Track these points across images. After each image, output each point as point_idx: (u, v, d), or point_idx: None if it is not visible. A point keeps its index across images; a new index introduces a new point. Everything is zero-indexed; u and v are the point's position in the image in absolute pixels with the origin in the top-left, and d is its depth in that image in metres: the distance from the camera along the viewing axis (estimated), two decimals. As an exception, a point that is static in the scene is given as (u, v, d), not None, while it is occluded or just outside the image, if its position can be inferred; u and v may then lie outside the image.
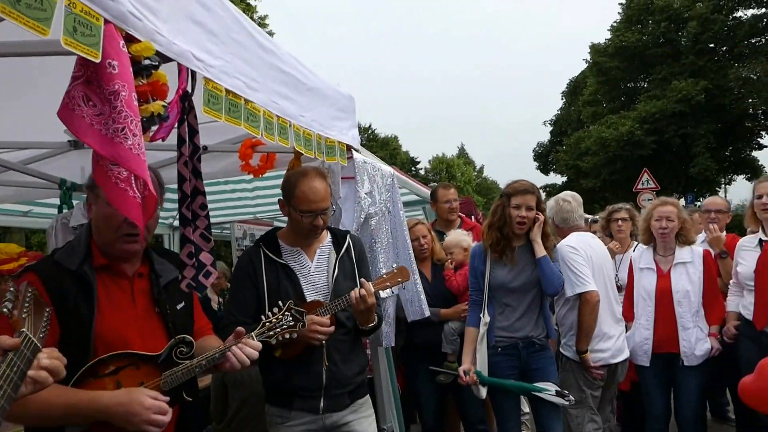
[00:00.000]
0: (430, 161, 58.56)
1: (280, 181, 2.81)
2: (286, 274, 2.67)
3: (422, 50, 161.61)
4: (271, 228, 3.21)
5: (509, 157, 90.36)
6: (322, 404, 2.64)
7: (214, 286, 6.47)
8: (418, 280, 3.77)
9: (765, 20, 24.16)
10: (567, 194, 4.33)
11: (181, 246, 1.90)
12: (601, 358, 3.84)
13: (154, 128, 1.60)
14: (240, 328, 2.11)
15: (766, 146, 28.83)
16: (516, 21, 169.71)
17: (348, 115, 3.12)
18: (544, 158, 39.37)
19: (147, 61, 1.53)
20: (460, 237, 4.49)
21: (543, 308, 3.64)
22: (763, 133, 27.60)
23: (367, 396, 2.87)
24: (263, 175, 3.23)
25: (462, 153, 64.29)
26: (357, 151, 3.23)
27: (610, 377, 3.96)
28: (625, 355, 4.02)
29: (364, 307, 2.59)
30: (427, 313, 3.80)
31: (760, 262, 3.95)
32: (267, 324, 2.28)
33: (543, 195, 3.84)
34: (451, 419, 4.69)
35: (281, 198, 2.74)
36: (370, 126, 51.31)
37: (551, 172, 38.41)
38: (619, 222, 5.08)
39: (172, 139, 1.84)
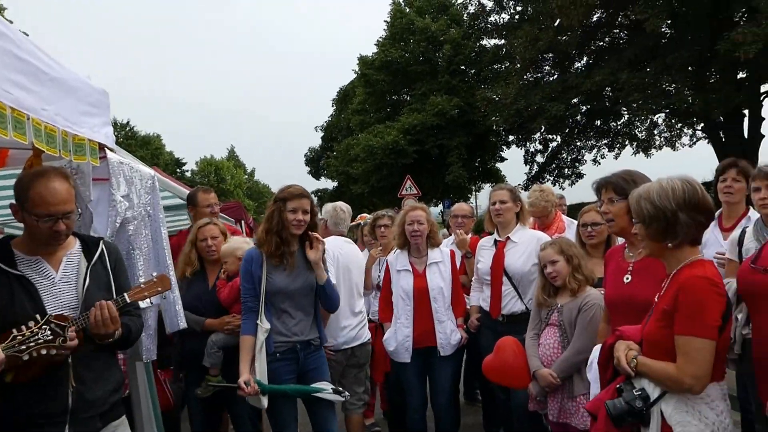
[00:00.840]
0: (197, 163, 56.94)
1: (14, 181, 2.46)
2: (22, 286, 2.32)
3: (189, 47, 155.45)
4: (2, 236, 2.81)
5: (281, 161, 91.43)
6: (66, 431, 2.33)
7: None
8: (176, 290, 3.56)
9: (504, 50, 27.15)
10: (343, 205, 4.84)
11: None
12: (336, 344, 4.28)
13: None
14: None
15: (506, 159, 32.79)
16: (292, 23, 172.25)
17: (101, 111, 2.83)
18: (315, 163, 40.26)
19: None
20: (236, 245, 4.13)
21: (317, 310, 3.71)
22: (504, 147, 31.10)
23: (123, 417, 2.63)
24: (-8, 174, 2.80)
25: (232, 155, 63.13)
26: (112, 150, 2.96)
27: (352, 359, 4.38)
28: (361, 340, 4.44)
29: (104, 331, 2.36)
30: (183, 325, 3.60)
31: (495, 259, 4.41)
32: (18, 337, 2.02)
33: (315, 199, 4.02)
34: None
35: (13, 203, 2.39)
36: (128, 122, 48.23)
37: (322, 177, 39.46)
38: (382, 228, 5.35)
39: None
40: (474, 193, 33.91)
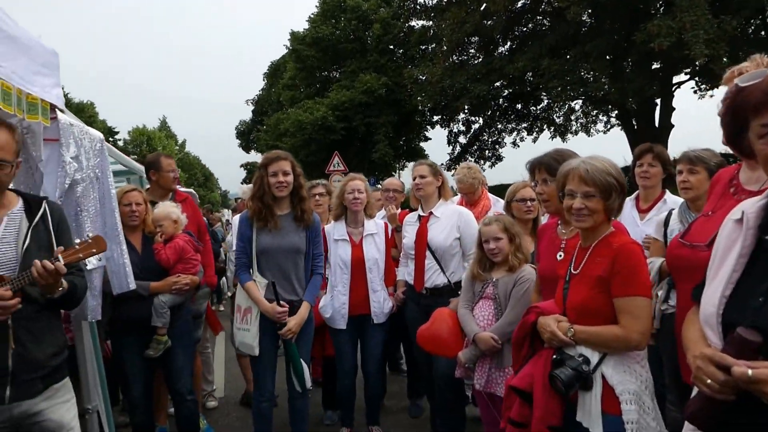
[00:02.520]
0: (129, 132, 56.20)
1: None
2: None
3: (121, 16, 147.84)
4: None
5: (212, 133, 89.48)
6: (8, 392, 2.34)
7: None
8: (125, 251, 3.55)
9: (432, 31, 27.16)
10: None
11: None
12: None
13: None
14: None
15: (430, 138, 33.33)
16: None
17: (52, 72, 2.79)
18: (246, 136, 39.98)
19: None
20: (169, 209, 4.29)
21: (306, 271, 4.05)
22: (428, 127, 31.52)
23: (66, 379, 2.64)
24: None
25: (164, 126, 62.86)
26: (62, 111, 2.94)
27: None
28: None
29: (51, 280, 2.35)
30: (133, 286, 3.62)
31: (418, 234, 4.46)
32: None
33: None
34: (158, 392, 4.65)
35: None
36: (63, 88, 47.91)
37: (252, 151, 39.14)
38: (317, 197, 5.40)
39: None
40: (398, 171, 34.39)
